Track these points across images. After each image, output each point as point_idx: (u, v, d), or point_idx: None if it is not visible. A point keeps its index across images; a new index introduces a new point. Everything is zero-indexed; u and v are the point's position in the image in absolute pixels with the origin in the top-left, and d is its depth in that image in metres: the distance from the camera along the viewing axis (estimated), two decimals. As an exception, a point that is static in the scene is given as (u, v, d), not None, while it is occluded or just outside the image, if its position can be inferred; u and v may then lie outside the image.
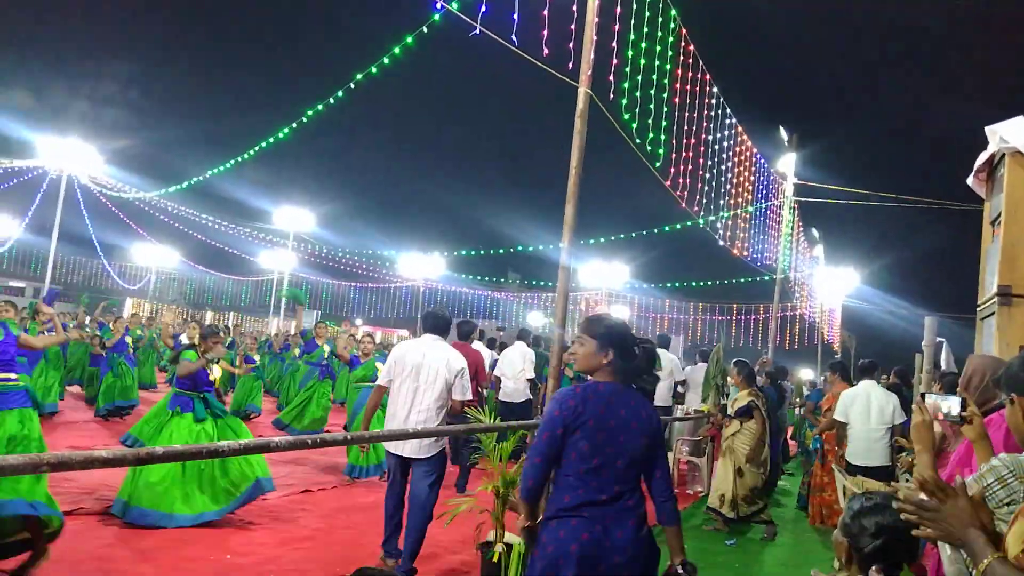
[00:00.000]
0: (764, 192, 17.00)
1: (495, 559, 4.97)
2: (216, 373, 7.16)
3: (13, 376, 5.14)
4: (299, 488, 7.77)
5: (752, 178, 15.86)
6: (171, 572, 4.83)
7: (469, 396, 5.54)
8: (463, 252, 37.98)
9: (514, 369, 9.83)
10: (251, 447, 3.55)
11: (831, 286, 30.83)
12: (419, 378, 5.30)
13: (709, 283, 32.47)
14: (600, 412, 2.80)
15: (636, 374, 3.00)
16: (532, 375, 9.84)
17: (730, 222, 15.83)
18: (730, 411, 7.80)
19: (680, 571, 2.81)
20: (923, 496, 1.75)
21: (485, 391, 9.57)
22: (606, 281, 42.35)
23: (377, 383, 5.60)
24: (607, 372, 2.94)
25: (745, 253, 16.64)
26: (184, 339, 12.08)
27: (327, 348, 12.42)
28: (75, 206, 29.74)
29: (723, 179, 14.12)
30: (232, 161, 20.59)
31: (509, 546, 5.03)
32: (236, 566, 5.06)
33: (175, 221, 33.44)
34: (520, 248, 31.78)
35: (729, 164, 14.62)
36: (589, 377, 3.01)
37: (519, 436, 5.71)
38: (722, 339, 38.28)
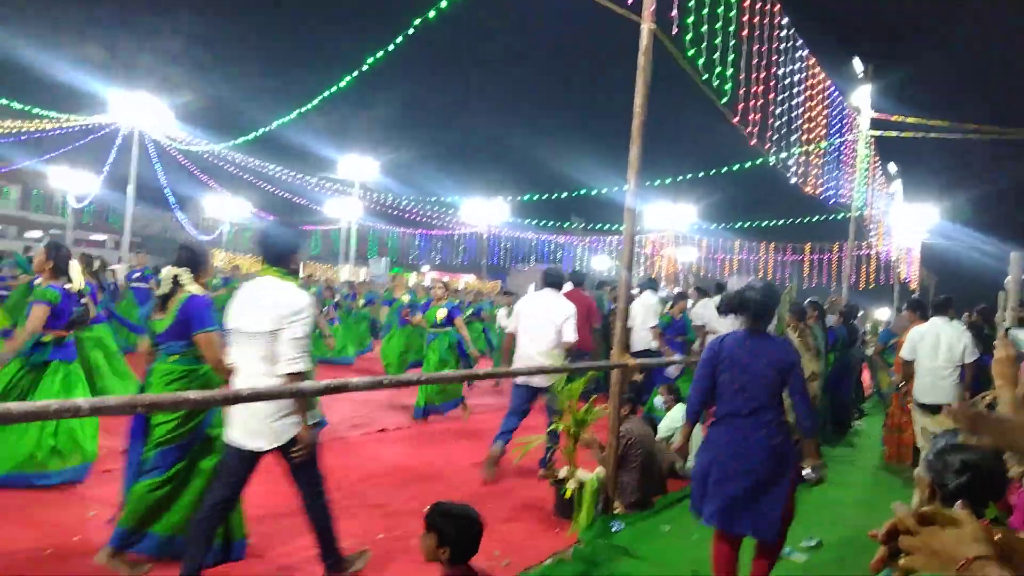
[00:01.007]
0: (838, 127, 16.37)
1: (568, 495, 5.11)
2: None
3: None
4: (376, 427, 8.05)
5: (825, 112, 15.29)
6: (268, 498, 5.10)
7: (574, 337, 6.39)
8: (526, 197, 37.84)
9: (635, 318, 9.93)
10: (331, 387, 3.68)
11: (909, 223, 29.72)
12: (537, 324, 6.34)
13: (780, 222, 31.59)
14: (736, 352, 3.86)
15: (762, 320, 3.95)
16: (655, 322, 9.72)
17: (802, 159, 15.36)
18: None
19: (805, 472, 3.86)
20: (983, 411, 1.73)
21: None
22: (673, 223, 41.73)
23: (507, 331, 6.67)
24: (741, 323, 3.96)
25: (818, 191, 16.15)
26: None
27: (407, 298, 12.53)
28: (149, 160, 30.64)
29: (794, 115, 13.65)
30: (297, 111, 20.83)
31: (581, 483, 5.16)
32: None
33: (244, 172, 34.20)
34: (584, 191, 31.45)
35: (800, 99, 14.12)
36: None
37: (589, 378, 5.78)
38: (794, 279, 37.48)
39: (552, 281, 6.70)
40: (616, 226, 36.66)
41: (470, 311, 13.75)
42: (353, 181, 38.35)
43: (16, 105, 24.47)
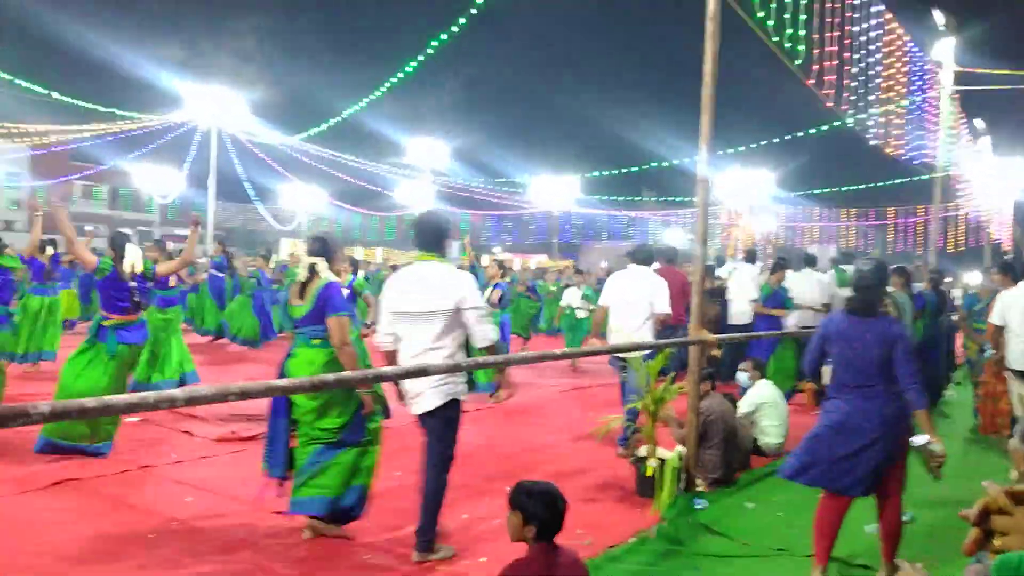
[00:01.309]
0: (919, 84, 15.64)
1: (649, 474, 5.08)
2: None
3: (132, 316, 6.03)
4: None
5: (904, 69, 14.63)
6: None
7: (667, 309, 6.55)
8: (595, 173, 37.51)
9: (734, 291, 10.00)
10: (411, 372, 3.75)
11: (1000, 180, 28.21)
12: (627, 299, 6.50)
13: (860, 187, 30.42)
14: (843, 329, 4.04)
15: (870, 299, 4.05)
16: (756, 295, 9.66)
17: (882, 119, 14.75)
18: None
19: (915, 443, 3.81)
20: None
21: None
22: (748, 192, 40.73)
23: (600, 304, 6.87)
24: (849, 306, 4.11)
25: (900, 151, 15.49)
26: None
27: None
28: (227, 155, 31.62)
29: (871, 73, 13.11)
30: (366, 99, 21.12)
31: (662, 460, 5.12)
32: (402, 483, 5.42)
33: (318, 162, 34.92)
34: (654, 164, 30.96)
35: (877, 56, 13.54)
36: None
37: (667, 355, 5.72)
38: (877, 246, 36.17)
39: (641, 258, 6.87)
40: (689, 198, 36.02)
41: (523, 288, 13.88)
42: (423, 166, 38.72)
43: (101, 108, 25.52)
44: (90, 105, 24.72)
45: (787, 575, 4.03)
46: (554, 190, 43.70)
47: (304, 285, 4.42)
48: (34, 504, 4.64)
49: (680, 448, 5.38)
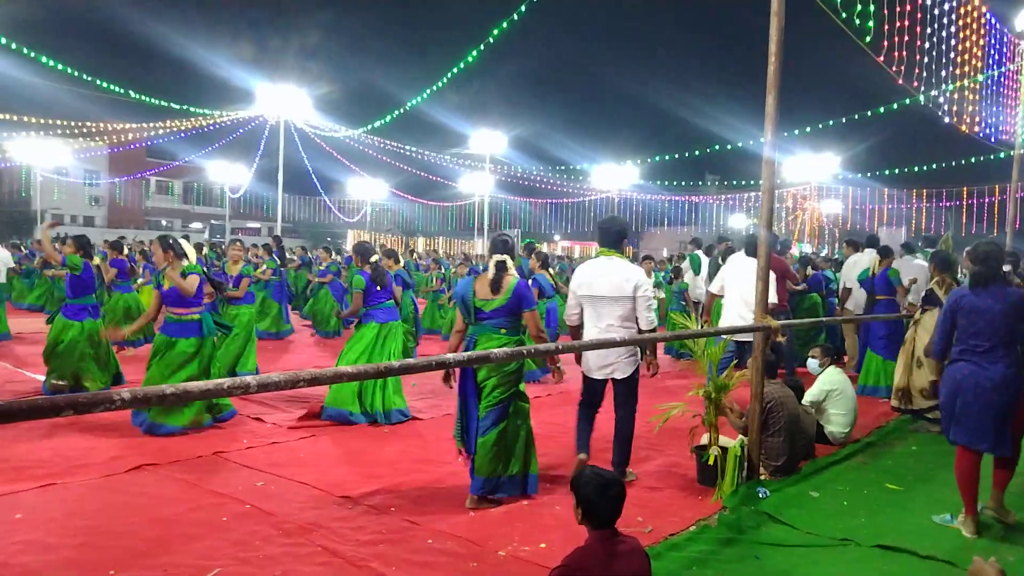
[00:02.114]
0: (997, 57, 14.97)
1: (711, 462, 5.05)
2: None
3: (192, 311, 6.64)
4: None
5: (981, 43, 14.01)
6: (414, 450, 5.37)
7: (775, 299, 7.07)
8: (656, 158, 37.00)
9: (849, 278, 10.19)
10: (473, 359, 3.82)
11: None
12: (738, 286, 7.25)
13: (932, 166, 29.27)
14: (972, 300, 4.51)
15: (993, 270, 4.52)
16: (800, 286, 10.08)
17: (956, 95, 14.18)
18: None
19: None
20: None
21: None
22: (814, 174, 39.66)
23: (710, 291, 7.49)
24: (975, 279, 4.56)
25: (976, 129, 14.87)
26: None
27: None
28: (295, 149, 32.37)
29: (945, 48, 12.61)
30: (428, 90, 21.30)
31: (724, 449, 5.08)
32: (466, 468, 5.51)
33: (382, 155, 35.43)
34: (717, 147, 30.39)
35: (952, 30, 13.01)
36: None
37: (727, 342, 5.66)
38: (950, 227, 34.83)
39: (754, 249, 7.24)
40: (754, 181, 35.29)
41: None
42: (484, 155, 38.87)
43: (175, 105, 26.38)
44: (164, 103, 25.57)
45: (852, 565, 3.95)
46: (614, 176, 43.33)
47: (495, 281, 4.90)
48: (114, 488, 4.88)
49: (742, 436, 5.33)
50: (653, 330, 5.21)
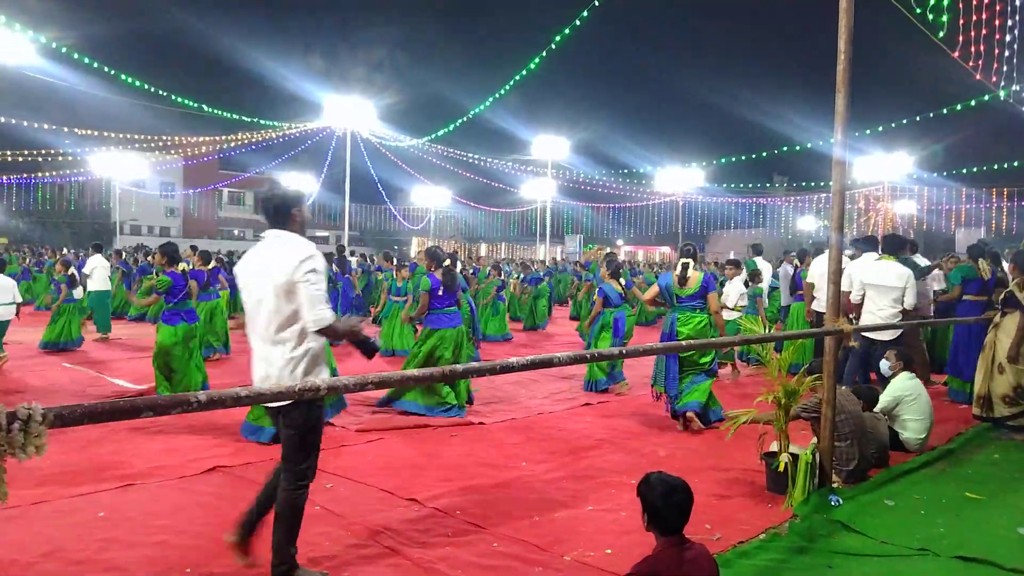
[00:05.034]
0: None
1: (780, 468, 4.93)
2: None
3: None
4: (580, 402, 8.21)
5: (1067, 33, 13.37)
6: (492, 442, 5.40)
7: (913, 302, 7.66)
8: (723, 160, 36.44)
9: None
10: (537, 363, 3.82)
11: None
12: (876, 287, 7.63)
13: (1015, 164, 28.06)
14: None
15: None
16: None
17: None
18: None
19: None
20: None
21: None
22: (887, 174, 38.44)
23: (852, 298, 7.84)
24: None
25: (1061, 124, 14.18)
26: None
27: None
28: (361, 159, 33.03)
29: (1027, 40, 12.07)
30: (490, 99, 21.45)
31: (795, 456, 4.96)
32: (530, 471, 5.51)
33: (445, 162, 35.84)
34: (786, 148, 29.76)
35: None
36: None
37: (798, 347, 5.54)
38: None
39: (893, 249, 8.03)
40: (824, 182, 34.40)
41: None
42: (546, 161, 38.92)
43: (246, 118, 27.21)
44: (236, 116, 26.41)
45: (930, 576, 3.82)
46: (679, 179, 42.81)
47: (684, 276, 7.15)
48: (190, 489, 5.04)
49: (813, 442, 5.19)
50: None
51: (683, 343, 6.11)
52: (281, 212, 3.61)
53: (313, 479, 3.62)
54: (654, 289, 7.57)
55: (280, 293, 3.40)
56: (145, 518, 4.44)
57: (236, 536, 3.66)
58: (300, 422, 3.48)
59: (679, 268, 7.16)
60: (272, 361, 3.47)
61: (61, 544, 3.99)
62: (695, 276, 7.13)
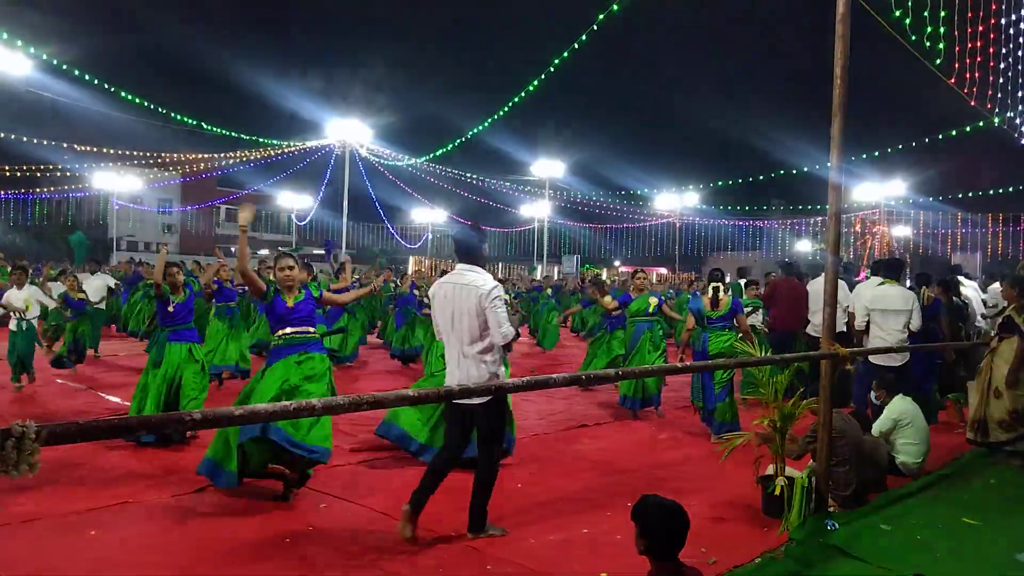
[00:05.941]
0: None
1: (776, 492, 4.91)
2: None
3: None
4: (576, 423, 8.17)
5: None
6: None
7: (919, 324, 7.89)
8: (720, 183, 36.60)
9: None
10: (532, 383, 3.81)
11: None
12: (883, 312, 7.87)
13: (1010, 190, 28.20)
14: None
15: None
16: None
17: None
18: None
19: None
20: None
21: None
22: (883, 198, 38.63)
23: (859, 322, 8.11)
24: None
25: (1056, 150, 14.30)
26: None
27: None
28: (360, 177, 33.13)
29: (1021, 67, 12.20)
30: (488, 120, 21.56)
31: (791, 479, 4.94)
32: (525, 493, 5.48)
33: (443, 182, 35.95)
34: (783, 172, 29.91)
35: (1029, 49, 12.58)
36: None
37: (793, 370, 5.54)
38: (1031, 252, 33.43)
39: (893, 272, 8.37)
40: (820, 206, 34.57)
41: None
42: (544, 181, 39.07)
43: (245, 136, 27.31)
44: (235, 134, 26.50)
45: (928, 603, 3.80)
46: (676, 201, 43.00)
47: (716, 299, 7.67)
48: (184, 507, 5.00)
49: (810, 466, 5.18)
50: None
51: (679, 365, 6.14)
52: (472, 251, 4.59)
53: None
54: (692, 319, 8.08)
55: (474, 315, 4.34)
56: (139, 537, 4.40)
57: (411, 509, 4.37)
58: (495, 412, 4.42)
59: (710, 292, 7.74)
60: (470, 367, 4.37)
61: (52, 562, 3.96)
62: (725, 299, 7.72)
